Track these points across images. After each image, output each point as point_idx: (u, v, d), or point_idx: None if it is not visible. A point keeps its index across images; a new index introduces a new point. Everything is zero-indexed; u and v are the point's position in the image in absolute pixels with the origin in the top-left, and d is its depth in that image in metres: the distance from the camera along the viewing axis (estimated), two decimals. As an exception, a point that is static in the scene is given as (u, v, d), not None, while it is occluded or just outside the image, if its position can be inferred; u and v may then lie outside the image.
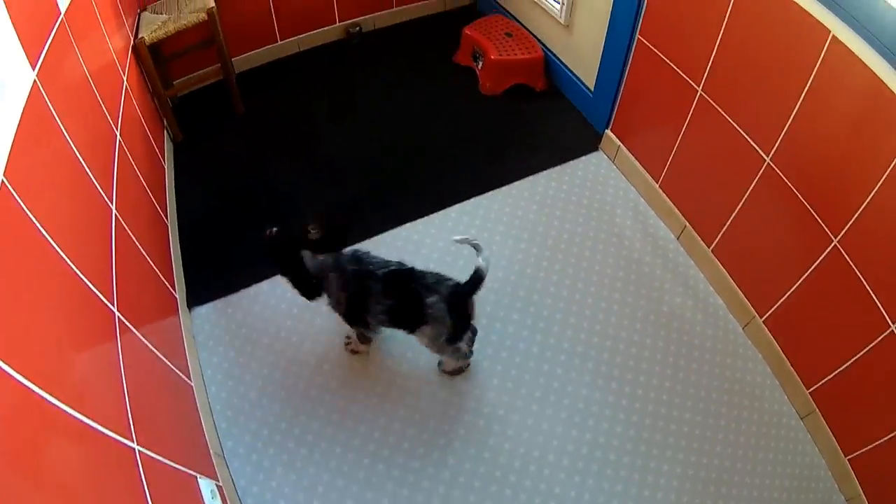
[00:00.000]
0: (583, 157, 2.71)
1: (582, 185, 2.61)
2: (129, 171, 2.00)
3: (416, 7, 3.45)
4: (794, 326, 2.00)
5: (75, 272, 1.28)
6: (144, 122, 2.39)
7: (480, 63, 2.97)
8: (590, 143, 2.77)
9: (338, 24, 3.28)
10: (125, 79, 2.22)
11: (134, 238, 1.83)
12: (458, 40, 3.11)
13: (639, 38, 2.25)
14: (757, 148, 1.90)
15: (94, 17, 1.99)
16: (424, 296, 1.75)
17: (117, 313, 1.48)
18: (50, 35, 1.52)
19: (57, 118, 1.41)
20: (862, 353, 1.72)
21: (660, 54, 2.17)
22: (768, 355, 2.13)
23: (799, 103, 1.70)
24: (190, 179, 2.68)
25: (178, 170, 2.71)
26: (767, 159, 1.87)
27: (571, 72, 2.88)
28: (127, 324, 1.53)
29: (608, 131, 2.68)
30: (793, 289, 1.93)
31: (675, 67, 2.12)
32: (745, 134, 1.93)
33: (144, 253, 1.92)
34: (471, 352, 2.04)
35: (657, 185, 2.46)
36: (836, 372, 1.83)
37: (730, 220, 2.12)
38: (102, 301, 1.41)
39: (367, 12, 3.33)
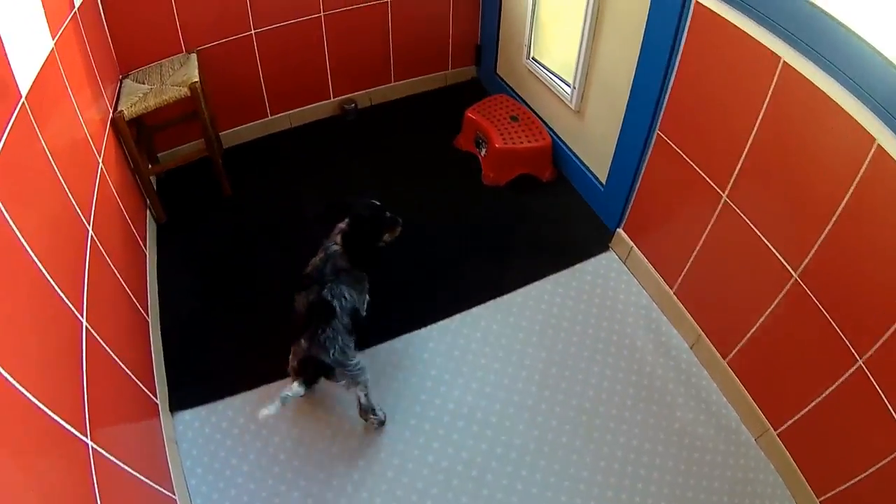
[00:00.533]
0: (592, 259, 2.74)
1: (591, 292, 2.62)
2: (103, 270, 1.97)
3: (415, 82, 3.53)
4: (810, 439, 2.00)
5: (41, 408, 1.24)
6: (123, 205, 2.38)
7: (483, 150, 3.01)
8: (600, 241, 2.80)
9: (332, 99, 3.35)
10: (101, 159, 2.21)
11: (109, 349, 1.80)
12: (459, 119, 3.16)
13: (658, 134, 2.29)
14: (785, 264, 1.90)
15: (63, 93, 1.95)
16: (304, 334, 1.97)
17: (91, 444, 1.44)
18: (7, 127, 1.45)
19: (15, 229, 1.36)
20: (879, 464, 1.71)
21: (681, 153, 2.20)
22: (780, 465, 2.12)
23: (835, 218, 1.69)
24: (174, 267, 2.67)
25: (161, 255, 2.71)
26: (795, 275, 1.87)
27: (581, 162, 2.94)
28: (103, 453, 1.49)
29: (620, 230, 2.71)
30: (812, 404, 1.93)
31: (697, 169, 2.15)
32: (773, 248, 1.94)
33: (122, 364, 1.88)
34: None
35: (672, 292, 2.47)
36: (851, 483, 1.83)
37: (749, 333, 2.13)
38: (74, 434, 1.37)
39: (363, 87, 3.40)
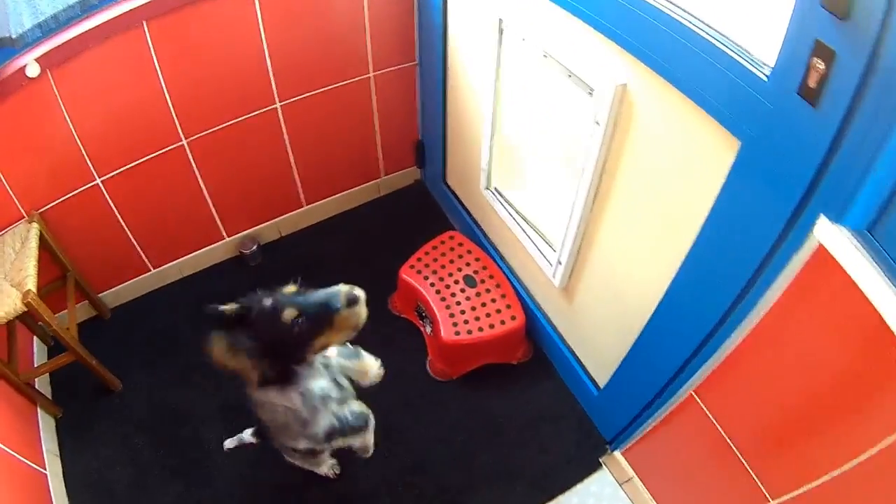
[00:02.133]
0: (579, 486, 1.91)
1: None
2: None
3: (336, 201, 2.59)
4: None
5: None
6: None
7: (428, 327, 2.12)
8: (590, 452, 1.97)
9: (227, 238, 2.44)
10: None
11: None
12: (400, 242, 2.28)
13: (691, 395, 1.46)
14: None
15: None
16: None
17: None
18: None
19: None
20: None
21: (723, 433, 1.39)
22: None
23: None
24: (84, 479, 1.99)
25: (67, 469, 2.01)
26: None
27: (569, 348, 2.06)
28: None
29: (618, 453, 1.90)
30: None
31: (744, 462, 1.35)
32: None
33: None
34: None
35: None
36: None
37: None
38: None
39: (265, 219, 2.48)
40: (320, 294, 1.18)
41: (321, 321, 1.16)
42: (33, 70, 1.65)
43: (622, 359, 1.74)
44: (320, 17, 2.00)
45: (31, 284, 1.81)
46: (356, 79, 2.21)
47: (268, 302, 1.17)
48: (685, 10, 1.13)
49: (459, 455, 1.98)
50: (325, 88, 2.17)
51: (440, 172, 2.50)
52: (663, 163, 1.33)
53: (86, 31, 1.66)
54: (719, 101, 1.10)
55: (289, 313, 1.14)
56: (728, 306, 1.27)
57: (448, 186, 2.51)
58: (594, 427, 2.02)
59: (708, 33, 1.08)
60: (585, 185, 1.54)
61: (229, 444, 1.81)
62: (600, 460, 1.97)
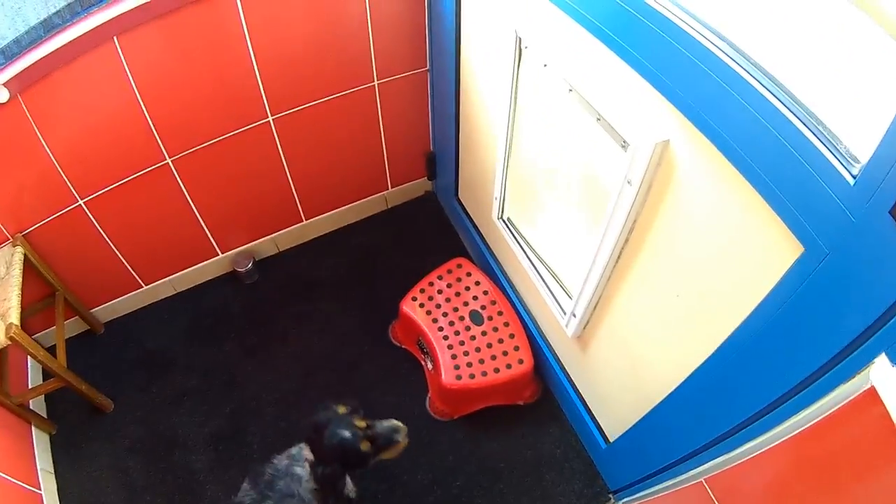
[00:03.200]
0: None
1: None
2: None
3: (338, 215, 2.34)
4: None
5: None
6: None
7: (429, 363, 1.90)
8: (590, 501, 1.76)
9: (221, 255, 2.22)
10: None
11: None
12: (408, 259, 2.08)
13: (703, 482, 1.24)
14: None
15: None
16: None
17: None
18: None
19: None
20: None
21: None
22: None
23: None
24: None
25: (61, 488, 1.88)
26: None
27: (578, 395, 1.82)
28: None
29: (623, 506, 1.71)
30: None
31: None
32: None
33: None
34: None
35: None
36: None
37: None
38: None
39: (262, 234, 2.25)
40: (385, 426, 1.41)
41: (383, 448, 1.40)
42: (2, 95, 1.48)
43: (634, 423, 1.51)
44: (314, 21, 1.73)
45: (15, 317, 1.66)
46: (358, 88, 1.95)
47: (346, 434, 1.35)
48: (756, 66, 0.84)
49: (455, 501, 1.78)
50: (323, 100, 1.92)
51: (453, 187, 2.23)
52: (704, 244, 1.07)
53: (52, 52, 1.44)
54: (785, 194, 0.83)
55: (364, 446, 1.36)
56: (752, 414, 1.04)
57: (460, 203, 2.24)
58: (598, 475, 1.81)
59: (782, 100, 0.80)
60: (610, 242, 1.28)
61: None
62: (603, 510, 1.79)
